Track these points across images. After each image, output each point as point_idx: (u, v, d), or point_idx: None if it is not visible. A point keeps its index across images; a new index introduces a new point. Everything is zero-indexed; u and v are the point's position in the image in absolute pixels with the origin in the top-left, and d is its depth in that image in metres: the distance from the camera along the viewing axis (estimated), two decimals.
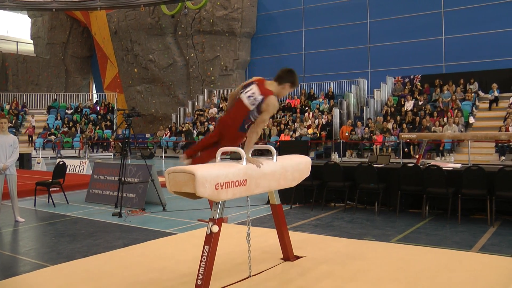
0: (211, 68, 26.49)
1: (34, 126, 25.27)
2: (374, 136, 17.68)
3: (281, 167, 4.29)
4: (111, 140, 25.25)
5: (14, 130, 23.85)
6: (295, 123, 20.81)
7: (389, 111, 19.38)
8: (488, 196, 6.89)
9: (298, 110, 22.18)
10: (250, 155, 3.99)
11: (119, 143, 23.94)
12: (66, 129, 25.58)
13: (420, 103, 19.11)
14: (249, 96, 4.00)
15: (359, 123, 18.93)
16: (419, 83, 20.52)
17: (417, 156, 10.26)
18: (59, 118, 26.82)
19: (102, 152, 24.86)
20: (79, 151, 23.81)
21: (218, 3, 25.74)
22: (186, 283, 4.15)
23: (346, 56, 23.37)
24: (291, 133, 20.01)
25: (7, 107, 26.76)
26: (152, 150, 23.72)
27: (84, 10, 27.90)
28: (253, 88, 4.02)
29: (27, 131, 24.70)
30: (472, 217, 7.35)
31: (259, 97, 3.97)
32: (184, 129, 23.68)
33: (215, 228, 3.70)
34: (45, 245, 6.25)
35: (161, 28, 26.98)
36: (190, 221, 7.50)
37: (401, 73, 21.59)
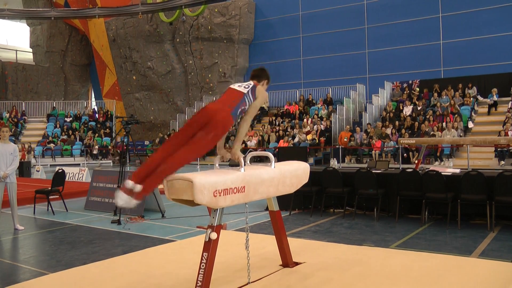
0: (210, 75, 26.53)
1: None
2: (373, 141, 17.68)
3: (280, 173, 4.30)
4: (110, 147, 25.24)
5: (13, 139, 23.82)
6: (294, 129, 20.81)
7: (387, 117, 19.40)
8: (488, 201, 6.88)
9: (296, 116, 22.22)
10: (239, 150, 3.92)
11: (118, 151, 23.91)
12: (65, 137, 25.59)
13: (419, 108, 19.13)
14: (239, 85, 4.05)
15: (357, 128, 18.93)
16: (417, 88, 20.54)
17: (416, 161, 10.27)
18: (58, 126, 26.83)
19: (101, 159, 24.87)
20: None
21: (216, 10, 25.81)
22: None
23: (344, 62, 23.39)
24: (290, 139, 20.00)
25: (7, 115, 26.77)
26: None
27: (83, 18, 28.02)
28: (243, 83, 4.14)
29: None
30: (471, 222, 7.34)
31: (251, 84, 4.05)
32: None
33: (213, 235, 3.70)
34: (44, 253, 6.24)
35: (159, 35, 27.04)
36: (189, 228, 7.50)
37: (400, 78, 21.61)
